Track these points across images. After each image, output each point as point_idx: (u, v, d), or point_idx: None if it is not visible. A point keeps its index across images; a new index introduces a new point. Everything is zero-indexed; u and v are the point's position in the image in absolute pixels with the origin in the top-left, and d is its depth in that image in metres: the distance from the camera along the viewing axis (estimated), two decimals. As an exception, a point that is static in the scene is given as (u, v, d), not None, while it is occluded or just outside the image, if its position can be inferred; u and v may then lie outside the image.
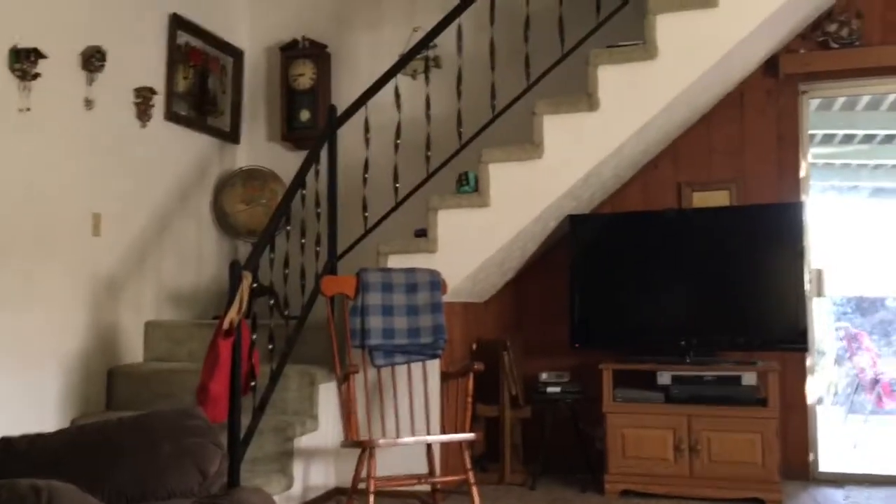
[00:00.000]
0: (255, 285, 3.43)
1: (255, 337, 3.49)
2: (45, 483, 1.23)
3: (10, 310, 3.53)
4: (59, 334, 3.81)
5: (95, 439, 2.02)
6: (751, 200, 4.47)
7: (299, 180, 3.95)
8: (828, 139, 6.66)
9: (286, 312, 4.09)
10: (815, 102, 5.06)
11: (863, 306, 7.62)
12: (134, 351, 4.33)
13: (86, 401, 3.94)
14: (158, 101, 4.49)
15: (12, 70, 3.55)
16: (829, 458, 4.55)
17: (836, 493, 4.05)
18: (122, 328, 4.25)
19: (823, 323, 6.07)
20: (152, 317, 4.45)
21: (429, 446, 3.79)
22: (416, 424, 3.88)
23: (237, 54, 5.20)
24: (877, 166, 7.21)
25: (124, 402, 4.02)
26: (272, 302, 3.88)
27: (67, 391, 3.84)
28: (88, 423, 2.15)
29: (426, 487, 3.85)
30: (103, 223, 4.09)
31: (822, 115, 6.02)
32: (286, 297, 4.10)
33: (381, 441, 3.56)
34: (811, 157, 4.67)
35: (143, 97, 4.36)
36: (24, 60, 3.56)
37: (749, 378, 4.01)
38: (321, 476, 4.01)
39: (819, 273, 4.45)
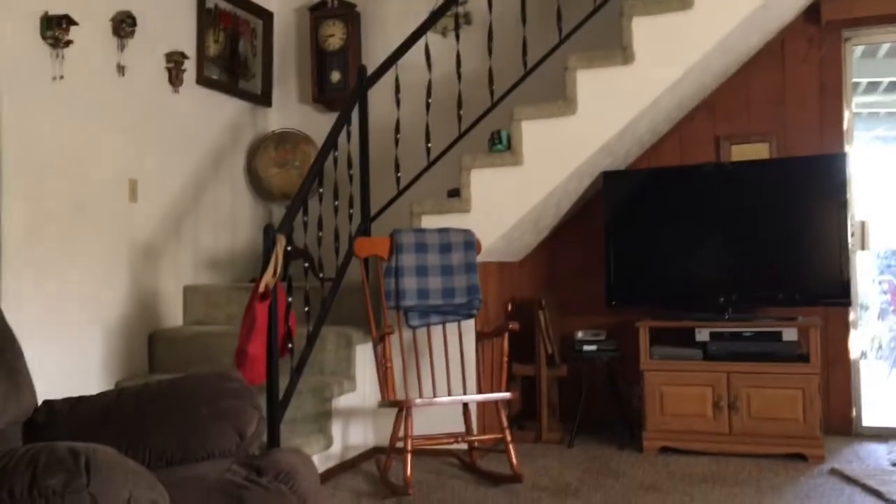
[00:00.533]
0: (289, 248, 3.44)
1: (290, 299, 3.51)
2: (84, 446, 1.25)
3: (52, 276, 3.60)
4: (100, 299, 3.88)
5: (135, 402, 2.05)
6: (792, 153, 4.36)
7: (331, 142, 3.93)
8: (872, 87, 6.46)
9: (321, 275, 4.10)
10: (858, 49, 4.91)
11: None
12: (173, 315, 4.39)
13: (128, 364, 4.02)
14: (190, 66, 4.49)
15: (44, 38, 3.57)
16: (872, 413, 4.48)
17: (880, 448, 4.00)
18: (162, 293, 4.31)
19: (867, 276, 5.95)
20: (190, 281, 4.51)
21: (465, 406, 3.81)
22: (452, 384, 3.89)
23: (267, 16, 5.17)
24: (924, 114, 6.99)
25: (165, 365, 4.09)
26: (307, 264, 3.90)
27: (110, 355, 3.92)
28: (128, 386, 2.19)
29: (463, 446, 3.88)
30: (140, 189, 4.13)
31: (867, 62, 5.84)
32: (320, 260, 4.12)
33: (418, 401, 3.58)
34: (855, 106, 4.54)
35: (175, 62, 4.37)
36: (56, 28, 3.57)
37: (790, 334, 3.95)
38: (360, 436, 4.06)
39: (863, 225, 4.34)
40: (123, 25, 3.97)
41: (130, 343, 4.06)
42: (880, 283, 6.92)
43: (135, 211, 4.11)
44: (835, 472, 3.59)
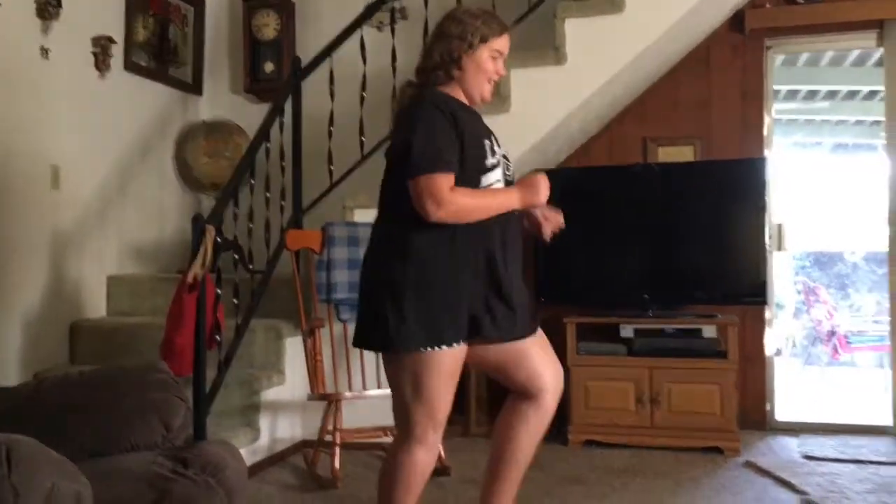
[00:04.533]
0: (219, 239, 3.39)
1: (219, 291, 3.47)
2: (5, 437, 1.22)
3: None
4: (20, 288, 3.76)
5: (57, 393, 2.01)
6: (715, 156, 4.51)
7: (263, 133, 3.89)
8: (791, 95, 6.71)
9: (251, 267, 4.06)
10: (779, 58, 5.09)
11: (821, 261, 7.78)
12: (96, 305, 4.28)
13: (48, 355, 3.90)
14: (117, 51, 4.38)
15: (-37, 17, 3.44)
16: (785, 408, 4.67)
17: (792, 442, 4.17)
18: (85, 282, 4.20)
19: (783, 277, 6.19)
20: (115, 271, 4.40)
21: (395, 399, 3.82)
22: (382, 378, 3.89)
23: (198, 2, 5.07)
24: (839, 122, 7.29)
25: (87, 357, 3.99)
26: (237, 256, 3.85)
27: (29, 346, 3.80)
28: (50, 377, 2.14)
29: (391, 440, 3.89)
30: (62, 176, 4.01)
31: (787, 70, 6.06)
32: (251, 252, 4.07)
33: (348, 394, 3.59)
34: (775, 112, 4.71)
35: (102, 46, 4.25)
36: (-24, 7, 3.44)
37: (709, 331, 4.09)
38: (288, 429, 4.03)
39: (780, 228, 4.52)
40: (48, 7, 3.85)
41: (50, 334, 3.94)
42: (795, 283, 7.22)
43: (57, 198, 3.99)
44: (749, 465, 3.73)
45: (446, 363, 2.18)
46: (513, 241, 2.33)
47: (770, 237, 4.33)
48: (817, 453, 3.89)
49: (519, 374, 2.35)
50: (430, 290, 2.16)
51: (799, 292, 6.89)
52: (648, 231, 4.31)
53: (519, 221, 2.40)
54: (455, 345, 2.18)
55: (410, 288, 2.16)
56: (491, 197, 2.25)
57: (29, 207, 3.81)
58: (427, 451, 2.24)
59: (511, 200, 2.28)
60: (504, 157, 2.38)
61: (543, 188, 2.31)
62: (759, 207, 4.14)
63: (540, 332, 2.41)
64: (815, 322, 6.31)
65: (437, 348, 2.15)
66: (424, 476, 2.27)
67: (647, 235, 4.31)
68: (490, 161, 2.27)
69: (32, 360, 3.81)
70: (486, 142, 2.29)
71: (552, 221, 2.43)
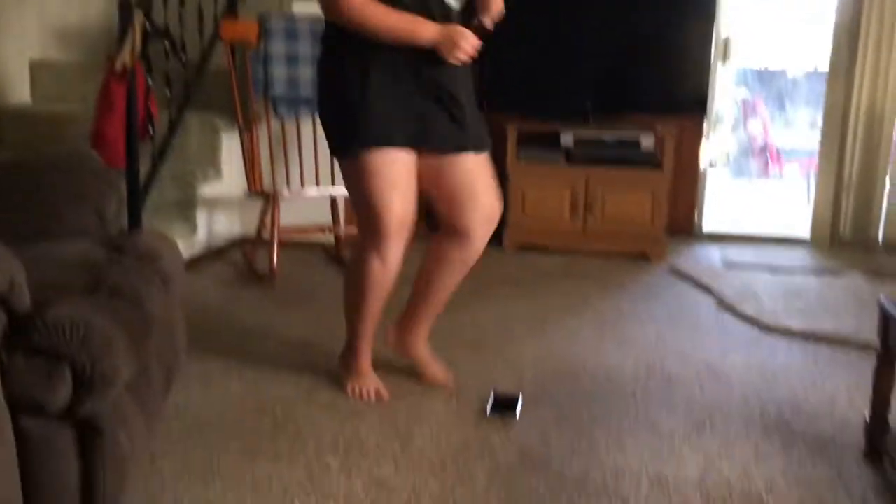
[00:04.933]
0: (148, 25, 3.21)
1: (150, 82, 3.33)
2: (-73, 216, 1.19)
3: None
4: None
5: (-19, 179, 1.95)
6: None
7: None
8: None
9: (183, 57, 3.88)
10: None
11: (763, 76, 7.80)
12: (20, 91, 4.09)
13: (-28, 143, 3.77)
14: None
15: None
16: (712, 218, 4.85)
17: (714, 250, 4.37)
18: (5, 66, 3.97)
19: (724, 90, 6.21)
20: (38, 56, 4.17)
21: (333, 199, 3.83)
22: (321, 177, 3.89)
23: None
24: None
25: (13, 146, 3.85)
26: (168, 44, 3.66)
27: (-50, 132, 3.65)
28: (-27, 161, 2.07)
29: (330, 239, 3.95)
30: (-28, -53, 3.68)
31: None
32: (183, 41, 3.87)
33: (286, 192, 3.58)
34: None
35: None
36: None
37: (647, 141, 4.14)
38: (225, 225, 4.04)
39: (726, 41, 4.48)
40: None
41: (-28, 120, 3.78)
42: (736, 97, 7.27)
43: (-32, -28, 3.69)
44: (673, 271, 3.91)
45: (386, 167, 2.16)
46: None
47: (716, 49, 4.29)
48: (737, 260, 4.10)
49: (447, 204, 2.29)
50: (356, 93, 2.13)
51: (737, 104, 6.95)
52: (594, 39, 4.23)
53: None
54: (389, 148, 2.15)
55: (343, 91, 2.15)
56: (401, 22, 2.10)
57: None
58: (381, 261, 2.24)
59: (420, 37, 2.12)
60: None
61: (462, 50, 2.14)
62: (707, 18, 4.07)
63: (484, 159, 2.32)
64: (750, 136, 6.42)
65: (369, 150, 2.14)
66: (382, 286, 2.28)
67: (592, 43, 4.24)
68: None
69: (-45, 147, 3.68)
70: None
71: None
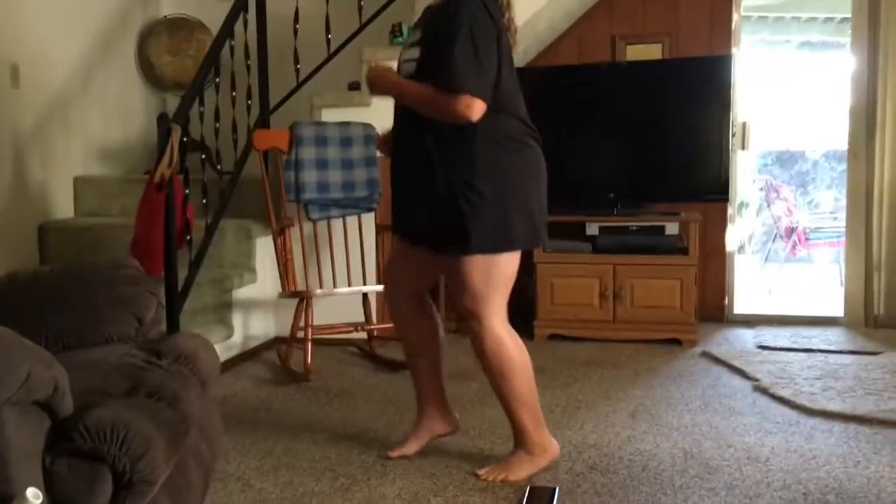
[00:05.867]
0: (185, 139, 3.38)
1: (187, 191, 3.48)
2: (-20, 326, 1.27)
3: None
4: (-15, 190, 3.74)
5: (29, 289, 2.04)
6: (683, 54, 4.51)
7: (227, 30, 3.81)
8: (762, -9, 6.63)
9: (219, 167, 4.06)
10: (751, -47, 5.03)
11: (783, 158, 7.88)
12: (64, 207, 4.27)
13: (18, 257, 3.91)
14: (72, -57, 4.22)
15: None
16: (744, 302, 4.84)
17: (747, 333, 4.34)
18: (51, 184, 4.17)
19: (746, 175, 6.28)
20: (81, 172, 4.38)
21: (365, 296, 3.91)
22: (352, 275, 3.98)
23: None
24: (808, 19, 7.25)
25: (57, 258, 4.00)
26: (204, 156, 3.84)
27: (-2, 247, 3.81)
28: (21, 273, 2.17)
29: (363, 335, 4.01)
30: (22, 74, 3.93)
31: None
32: (218, 152, 4.06)
33: (318, 291, 3.67)
34: (744, 9, 4.69)
35: (56, -62, 4.10)
36: None
37: (672, 228, 4.19)
38: (261, 326, 4.12)
39: (744, 126, 4.57)
40: None
41: (19, 236, 3.94)
42: (758, 181, 7.33)
43: (17, 97, 3.92)
44: (705, 355, 3.90)
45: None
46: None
47: (734, 135, 4.38)
48: (771, 343, 4.07)
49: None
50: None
51: (761, 189, 7.00)
52: (616, 130, 4.35)
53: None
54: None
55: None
56: None
57: (-11, 107, 3.75)
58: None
59: None
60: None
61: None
62: (724, 106, 4.17)
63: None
64: (774, 219, 6.44)
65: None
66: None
67: (614, 135, 4.35)
68: None
69: (2, 264, 3.83)
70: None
71: None
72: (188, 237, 3.46)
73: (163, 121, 3.29)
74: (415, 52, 2.38)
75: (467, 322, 2.44)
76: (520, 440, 2.48)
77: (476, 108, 2.22)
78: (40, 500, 1.26)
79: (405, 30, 4.08)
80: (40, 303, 1.99)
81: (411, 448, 2.62)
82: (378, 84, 2.44)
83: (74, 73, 4.31)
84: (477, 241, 2.32)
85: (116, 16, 4.65)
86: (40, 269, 2.14)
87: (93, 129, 4.47)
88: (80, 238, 4.01)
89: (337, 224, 3.97)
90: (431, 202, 2.36)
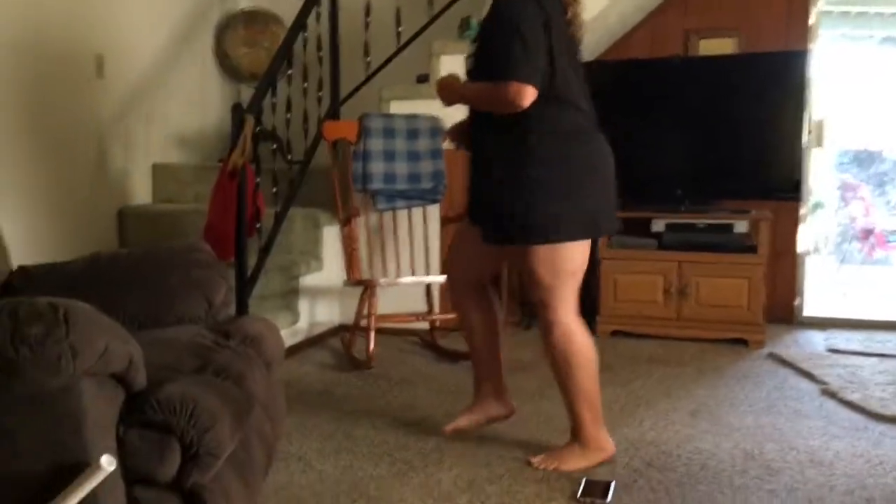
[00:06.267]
0: (258, 129, 3.48)
1: (259, 180, 3.58)
2: (63, 301, 1.34)
3: (18, 152, 3.61)
4: (69, 177, 3.90)
5: (108, 269, 2.15)
6: (758, 48, 4.41)
7: (300, 22, 3.90)
8: (846, -15, 6.42)
9: (289, 157, 4.15)
10: (832, -55, 4.89)
11: (860, 158, 7.62)
12: (142, 193, 4.44)
13: (99, 239, 4.08)
14: (155, -62, 4.37)
15: None
16: (816, 304, 4.72)
17: (818, 336, 4.24)
18: (131, 171, 4.34)
19: (822, 174, 6.10)
20: (159, 159, 4.54)
21: (428, 287, 3.95)
22: (416, 266, 4.03)
23: None
24: (892, 14, 6.99)
25: (135, 242, 4.16)
26: (275, 146, 3.94)
27: (79, 231, 3.97)
28: (103, 254, 2.28)
29: (425, 325, 4.06)
30: (106, 65, 4.09)
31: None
32: (289, 142, 4.15)
33: (382, 280, 3.72)
34: (825, 4, 4.56)
35: (140, -67, 4.25)
36: None
37: (741, 226, 4.11)
38: (326, 314, 4.21)
39: (820, 124, 4.45)
40: None
41: (99, 220, 4.11)
42: (834, 180, 7.11)
43: (101, 87, 4.08)
44: (772, 357, 3.82)
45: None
46: None
47: (809, 133, 4.28)
48: (842, 347, 3.97)
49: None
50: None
51: (838, 189, 6.79)
52: (686, 125, 4.29)
53: None
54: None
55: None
56: None
57: (74, 97, 3.91)
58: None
59: None
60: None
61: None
62: (799, 102, 4.07)
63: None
64: (851, 219, 6.24)
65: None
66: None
67: (684, 130, 4.29)
68: None
69: (83, 246, 3.99)
70: None
71: None
72: (258, 225, 3.55)
73: (237, 111, 3.39)
74: (474, 49, 2.48)
75: (538, 311, 2.48)
76: (576, 433, 2.50)
77: (526, 95, 2.26)
78: (113, 467, 1.33)
79: (473, 24, 4.09)
80: (119, 283, 2.09)
81: (463, 422, 2.70)
82: (446, 95, 2.55)
83: (155, 64, 4.47)
84: (537, 231, 2.37)
85: (196, 9, 4.79)
86: (120, 252, 2.25)
87: (171, 118, 4.62)
88: (157, 223, 4.16)
89: (402, 215, 4.03)
90: (495, 193, 2.42)
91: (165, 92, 4.56)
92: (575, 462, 2.47)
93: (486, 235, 2.49)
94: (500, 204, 2.41)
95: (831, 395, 3.22)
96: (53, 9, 3.76)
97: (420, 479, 2.41)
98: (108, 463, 1.31)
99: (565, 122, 2.39)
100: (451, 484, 2.37)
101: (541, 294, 2.44)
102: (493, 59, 2.32)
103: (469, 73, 2.49)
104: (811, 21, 4.39)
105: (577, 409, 2.48)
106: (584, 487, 2.31)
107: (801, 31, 4.39)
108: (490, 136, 2.42)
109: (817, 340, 4.14)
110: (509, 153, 2.38)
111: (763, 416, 2.97)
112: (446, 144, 3.65)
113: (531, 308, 2.61)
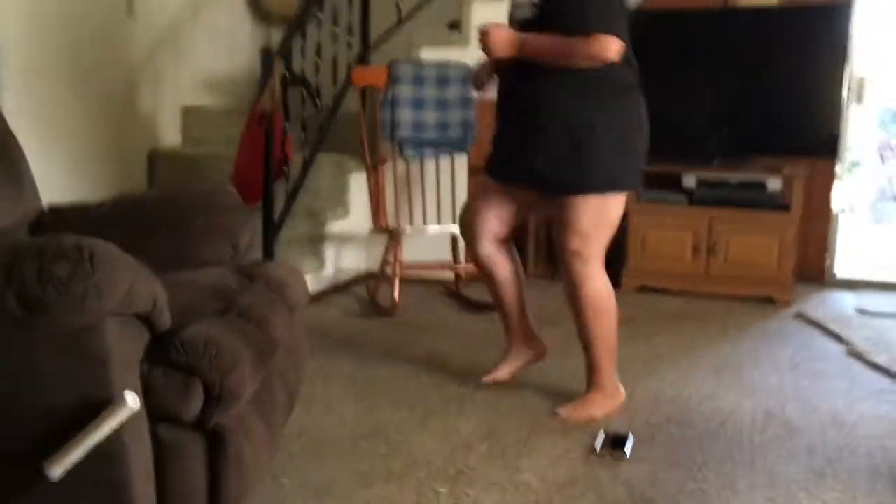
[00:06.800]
0: (287, 74, 3.46)
1: (287, 125, 3.57)
2: (89, 240, 1.35)
3: (48, 91, 3.62)
4: (99, 117, 3.92)
5: (133, 211, 2.16)
6: (800, 1, 4.27)
7: (331, -35, 3.85)
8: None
9: (318, 103, 4.13)
10: None
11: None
12: (172, 135, 4.45)
13: (127, 181, 4.11)
14: None
15: None
16: (848, 265, 4.64)
17: (848, 297, 4.19)
18: (160, 112, 4.35)
19: (861, 132, 5.95)
20: (189, 102, 4.53)
21: (454, 236, 3.95)
22: (442, 215, 4.02)
23: None
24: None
25: (164, 184, 4.18)
26: (304, 91, 3.92)
27: (110, 172, 4.00)
28: (126, 197, 2.30)
29: (450, 275, 4.06)
30: (137, 3, 4.07)
31: None
32: (318, 87, 4.13)
33: (408, 228, 3.72)
34: (872, -45, 4.40)
35: None
36: None
37: (774, 183, 4.04)
38: (352, 260, 4.23)
39: (861, 81, 4.33)
40: None
41: (129, 161, 4.13)
42: (874, 139, 6.94)
43: (132, 27, 4.07)
44: (800, 316, 3.78)
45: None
46: None
47: (849, 89, 4.16)
48: (871, 308, 3.91)
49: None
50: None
51: (878, 148, 6.63)
52: (721, 78, 4.19)
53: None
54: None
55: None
56: None
57: (105, 37, 3.90)
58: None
59: None
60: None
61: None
62: (840, 58, 3.96)
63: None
64: (888, 179, 6.11)
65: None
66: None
67: (718, 83, 4.20)
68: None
69: (114, 186, 4.03)
70: None
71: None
72: (286, 170, 3.55)
73: (267, 56, 3.36)
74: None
75: (568, 262, 2.47)
76: (595, 381, 2.55)
77: (614, 47, 2.29)
78: (138, 406, 1.35)
79: (509, -31, 4.00)
80: (144, 225, 2.11)
81: (503, 373, 2.75)
82: (499, 45, 2.40)
83: (186, 4, 4.44)
84: (594, 181, 2.39)
85: (227, -51, 4.74)
86: (146, 194, 2.26)
87: (201, 60, 4.61)
88: (186, 166, 4.17)
89: (430, 164, 4.00)
90: (550, 145, 2.39)
91: (195, 33, 4.53)
92: (601, 408, 2.53)
93: (533, 184, 2.47)
94: (557, 155, 2.39)
95: (857, 356, 3.19)
96: (84, -53, 3.74)
97: (439, 424, 2.43)
98: (133, 401, 1.34)
99: (623, 77, 2.41)
100: (470, 432, 2.39)
101: (576, 244, 2.44)
102: (573, 11, 2.31)
103: (525, 22, 2.41)
104: (858, -27, 4.24)
105: (598, 357, 2.53)
106: (604, 439, 2.32)
107: (847, -17, 4.24)
108: (545, 88, 2.38)
109: (847, 301, 4.09)
110: (570, 105, 2.37)
111: (787, 376, 2.96)
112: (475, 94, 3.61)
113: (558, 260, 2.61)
